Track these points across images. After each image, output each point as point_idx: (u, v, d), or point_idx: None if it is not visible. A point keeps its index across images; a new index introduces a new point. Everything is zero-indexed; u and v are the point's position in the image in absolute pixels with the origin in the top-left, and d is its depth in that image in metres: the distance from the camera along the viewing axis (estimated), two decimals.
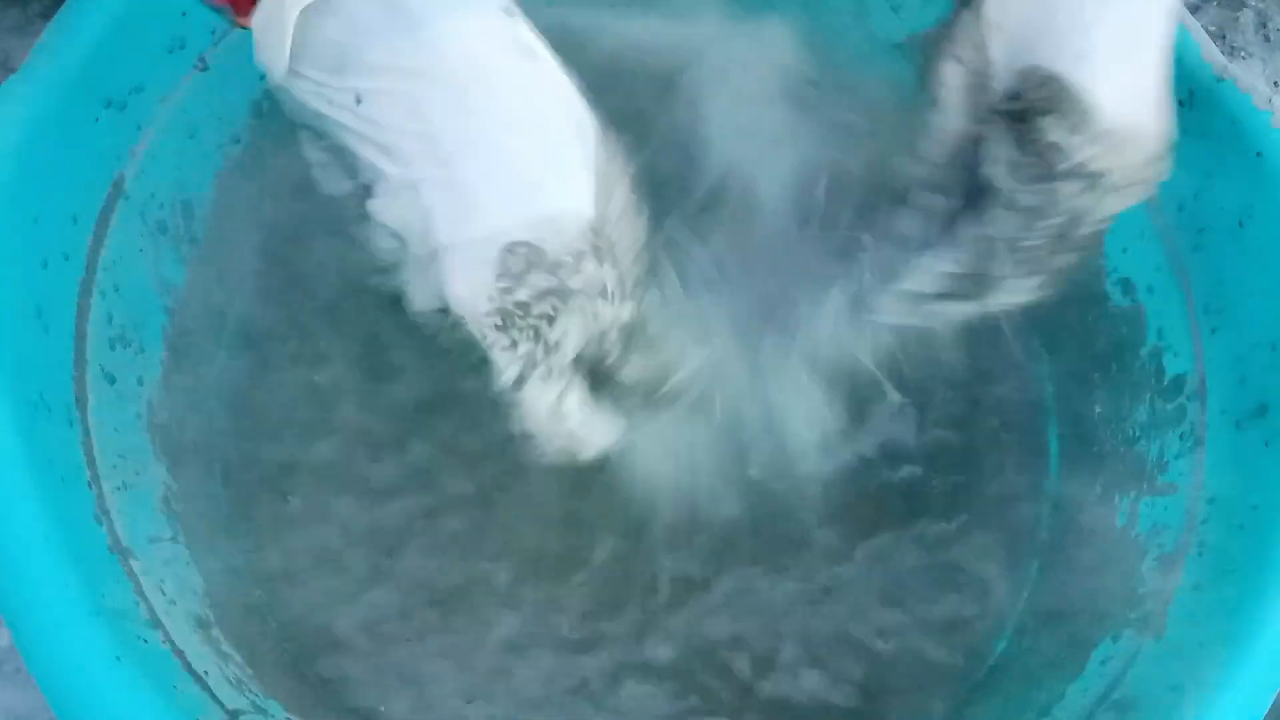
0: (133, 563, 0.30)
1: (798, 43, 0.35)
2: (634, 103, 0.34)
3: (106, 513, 0.30)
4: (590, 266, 0.25)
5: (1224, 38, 0.54)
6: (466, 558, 0.37)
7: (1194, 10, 0.53)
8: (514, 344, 0.26)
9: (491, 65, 0.25)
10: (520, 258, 0.25)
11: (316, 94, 0.25)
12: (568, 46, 0.27)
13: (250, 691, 0.31)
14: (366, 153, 0.25)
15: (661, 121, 0.35)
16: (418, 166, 0.25)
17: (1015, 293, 0.29)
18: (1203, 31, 0.35)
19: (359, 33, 0.24)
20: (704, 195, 0.35)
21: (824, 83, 0.36)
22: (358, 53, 0.24)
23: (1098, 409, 0.40)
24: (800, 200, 0.35)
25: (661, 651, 0.37)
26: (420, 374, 0.39)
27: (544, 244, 0.25)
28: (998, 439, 0.41)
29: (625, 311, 0.27)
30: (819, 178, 0.35)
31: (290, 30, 0.24)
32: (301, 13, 0.24)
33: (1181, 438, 0.35)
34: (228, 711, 0.29)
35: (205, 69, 0.36)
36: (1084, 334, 0.40)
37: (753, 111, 0.35)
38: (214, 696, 0.29)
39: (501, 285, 0.25)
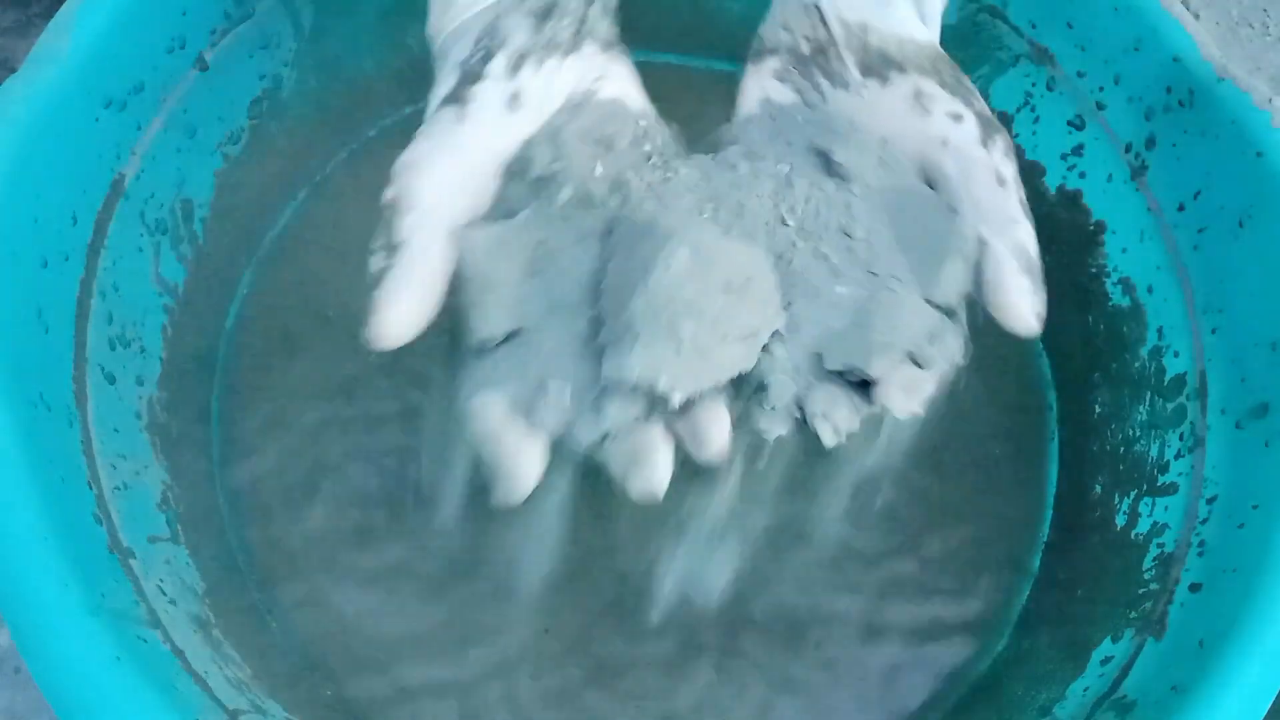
0: (132, 562, 0.30)
1: None
2: None
3: (106, 512, 0.30)
4: None
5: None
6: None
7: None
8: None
9: None
10: None
11: None
12: None
13: (250, 691, 0.31)
14: None
15: None
16: None
17: None
18: (1203, 31, 0.35)
19: None
20: None
21: None
22: None
23: (1098, 409, 0.40)
24: None
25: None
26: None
27: None
28: (997, 438, 0.41)
29: None
30: None
31: None
32: None
33: (1181, 438, 0.35)
34: (228, 711, 0.29)
35: (205, 69, 0.36)
36: (1084, 334, 0.40)
37: None
38: (214, 696, 0.29)
39: None
